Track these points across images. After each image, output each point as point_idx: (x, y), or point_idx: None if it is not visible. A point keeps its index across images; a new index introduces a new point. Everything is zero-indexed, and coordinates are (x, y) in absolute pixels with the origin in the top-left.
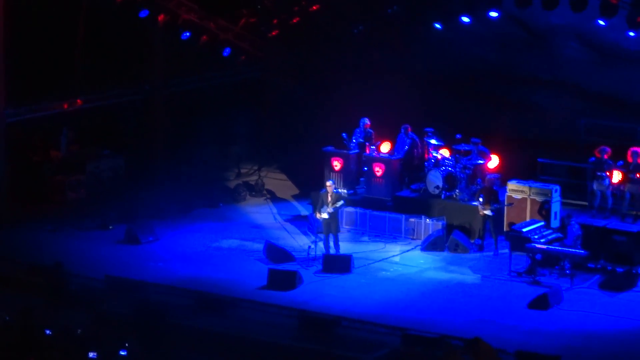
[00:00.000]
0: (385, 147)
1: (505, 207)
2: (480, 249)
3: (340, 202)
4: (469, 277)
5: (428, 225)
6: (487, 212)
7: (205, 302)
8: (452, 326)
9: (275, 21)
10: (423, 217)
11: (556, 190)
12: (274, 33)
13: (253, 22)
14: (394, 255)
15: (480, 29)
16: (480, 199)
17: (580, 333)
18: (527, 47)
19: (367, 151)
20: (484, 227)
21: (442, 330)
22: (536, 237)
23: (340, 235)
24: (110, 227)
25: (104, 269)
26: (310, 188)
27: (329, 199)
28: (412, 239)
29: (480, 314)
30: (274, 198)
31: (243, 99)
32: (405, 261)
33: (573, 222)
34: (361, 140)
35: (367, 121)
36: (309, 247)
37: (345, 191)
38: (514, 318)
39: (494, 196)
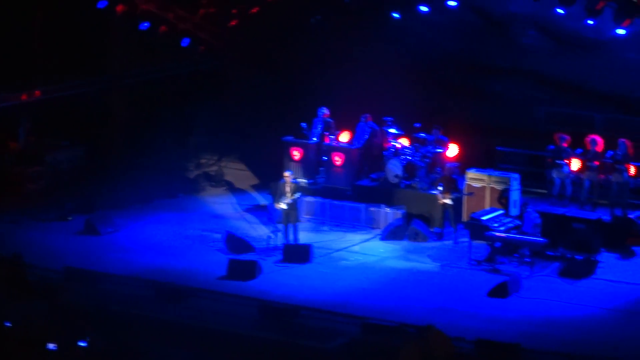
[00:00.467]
0: (345, 137)
1: (465, 196)
2: (440, 237)
3: (298, 194)
4: (429, 265)
5: (388, 214)
6: (447, 200)
7: (166, 292)
8: (411, 315)
9: (234, 11)
10: (383, 206)
11: (515, 179)
12: (233, 23)
13: (212, 12)
14: (353, 245)
15: (440, 18)
16: (440, 188)
17: (540, 320)
18: (487, 35)
19: (327, 141)
20: (443, 216)
21: (402, 319)
22: (495, 225)
23: (300, 225)
24: (70, 219)
25: (63, 260)
26: (270, 178)
27: (287, 189)
28: (372, 228)
29: (440, 302)
30: (234, 188)
31: (203, 89)
32: (365, 250)
33: (530, 209)
34: (320, 130)
35: (325, 111)
36: (269, 237)
37: (304, 181)
38: (473, 306)
39: (454, 185)
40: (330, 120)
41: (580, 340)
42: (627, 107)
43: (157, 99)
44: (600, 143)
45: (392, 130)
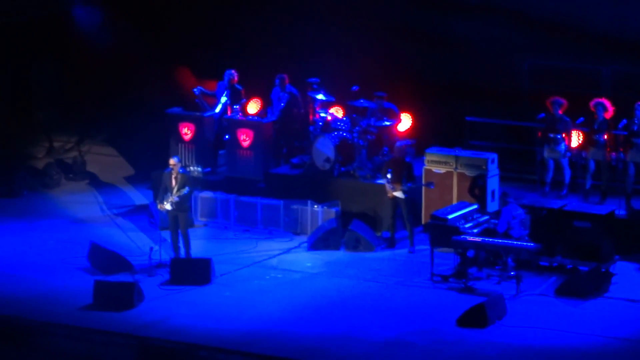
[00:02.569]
0: (254, 107)
1: (424, 187)
2: (391, 245)
3: (185, 189)
4: (376, 284)
5: (316, 213)
6: (398, 193)
7: (7, 329)
8: (353, 352)
9: None
10: (309, 202)
11: (493, 161)
12: None
13: None
14: (270, 258)
15: None
16: (388, 176)
17: (530, 357)
18: None
19: (229, 113)
20: (394, 215)
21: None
22: (467, 226)
23: (195, 232)
24: None
25: None
26: (150, 167)
27: (174, 182)
28: (295, 234)
29: (393, 334)
30: (100, 182)
31: (55, 44)
32: (287, 265)
33: (512, 201)
34: (228, 99)
35: (234, 75)
36: (151, 249)
37: (198, 170)
38: (438, 339)
39: (407, 171)
40: (240, 88)
41: None
42: None
43: None
44: (609, 109)
45: (320, 97)
